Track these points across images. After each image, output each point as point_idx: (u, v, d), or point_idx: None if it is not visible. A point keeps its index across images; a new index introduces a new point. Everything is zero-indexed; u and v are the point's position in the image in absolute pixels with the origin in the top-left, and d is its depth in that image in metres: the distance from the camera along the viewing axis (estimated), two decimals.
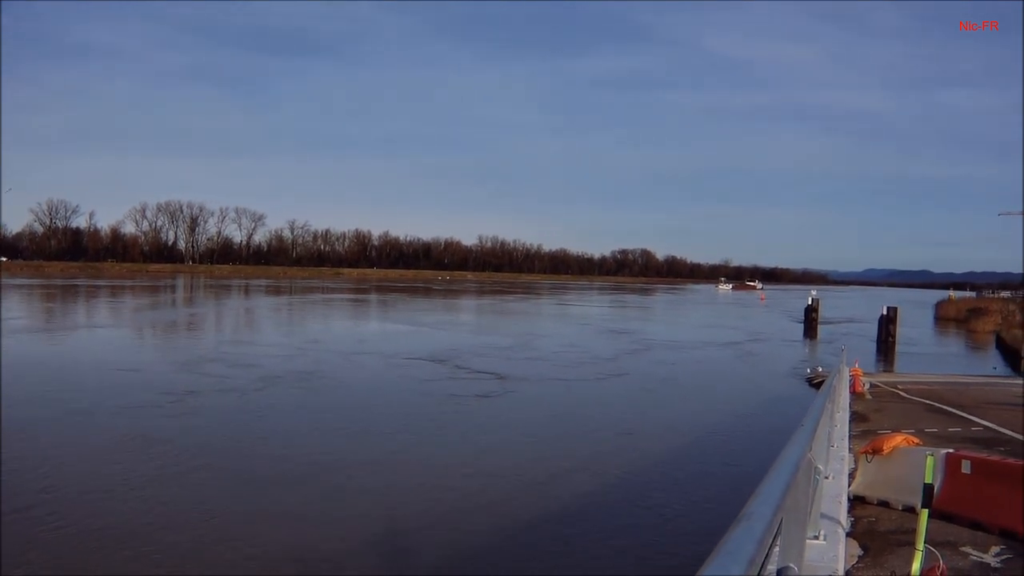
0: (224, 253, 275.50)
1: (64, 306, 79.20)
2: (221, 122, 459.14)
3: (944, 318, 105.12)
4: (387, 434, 22.67)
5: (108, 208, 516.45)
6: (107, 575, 12.07)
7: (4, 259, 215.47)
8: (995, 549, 10.62)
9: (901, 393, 28.16)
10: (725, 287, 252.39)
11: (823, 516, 8.50)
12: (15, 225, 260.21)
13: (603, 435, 23.47)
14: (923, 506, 8.94)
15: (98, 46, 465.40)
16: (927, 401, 26.02)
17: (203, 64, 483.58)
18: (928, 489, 8.96)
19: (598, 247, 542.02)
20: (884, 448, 13.56)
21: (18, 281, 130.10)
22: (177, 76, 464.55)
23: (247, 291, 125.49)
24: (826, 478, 10.09)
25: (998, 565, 10.12)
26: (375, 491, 16.87)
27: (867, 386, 29.10)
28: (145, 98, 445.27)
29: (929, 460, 9.20)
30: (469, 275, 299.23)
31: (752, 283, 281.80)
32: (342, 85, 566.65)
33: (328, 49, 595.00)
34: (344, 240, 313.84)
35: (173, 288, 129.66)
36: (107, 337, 49.71)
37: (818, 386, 29.01)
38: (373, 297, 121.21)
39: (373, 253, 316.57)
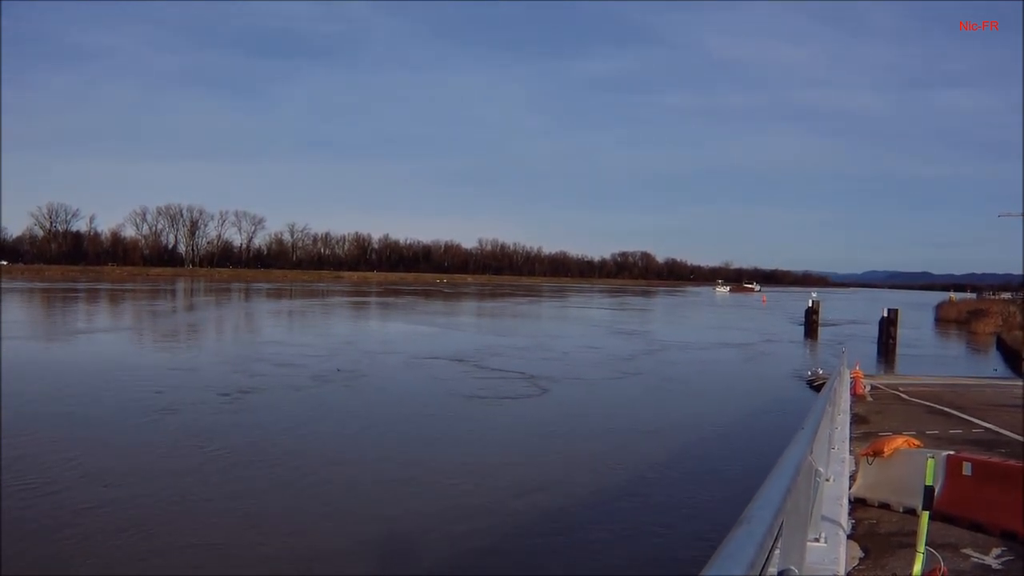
0: (224, 256, 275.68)
1: (85, 310, 79.60)
2: (219, 125, 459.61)
3: (944, 320, 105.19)
4: (421, 431, 23.62)
5: (108, 212, 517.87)
6: (112, 575, 12.11)
7: (4, 263, 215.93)
8: (996, 551, 10.63)
9: (902, 395, 28.16)
10: (723, 289, 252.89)
11: (824, 518, 8.51)
12: (15, 229, 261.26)
13: (617, 434, 24.04)
14: (924, 508, 8.94)
15: (95, 48, 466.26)
16: (928, 403, 26.01)
17: (200, 66, 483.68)
18: (929, 491, 8.96)
19: (598, 250, 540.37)
20: (885, 450, 13.56)
21: (23, 285, 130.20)
22: (175, 79, 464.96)
23: (258, 295, 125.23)
24: (827, 480, 10.11)
25: (999, 567, 10.12)
26: (406, 488, 17.14)
27: (868, 388, 29.11)
28: (143, 101, 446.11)
29: (930, 463, 9.20)
30: (469, 278, 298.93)
31: (750, 285, 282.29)
32: (340, 87, 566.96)
33: (325, 51, 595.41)
34: (344, 243, 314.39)
35: (186, 292, 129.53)
36: (146, 340, 51.50)
37: (819, 388, 29.04)
38: (386, 300, 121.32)
39: (373, 256, 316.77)
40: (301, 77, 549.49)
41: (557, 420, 26.12)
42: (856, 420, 22.06)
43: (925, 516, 8.91)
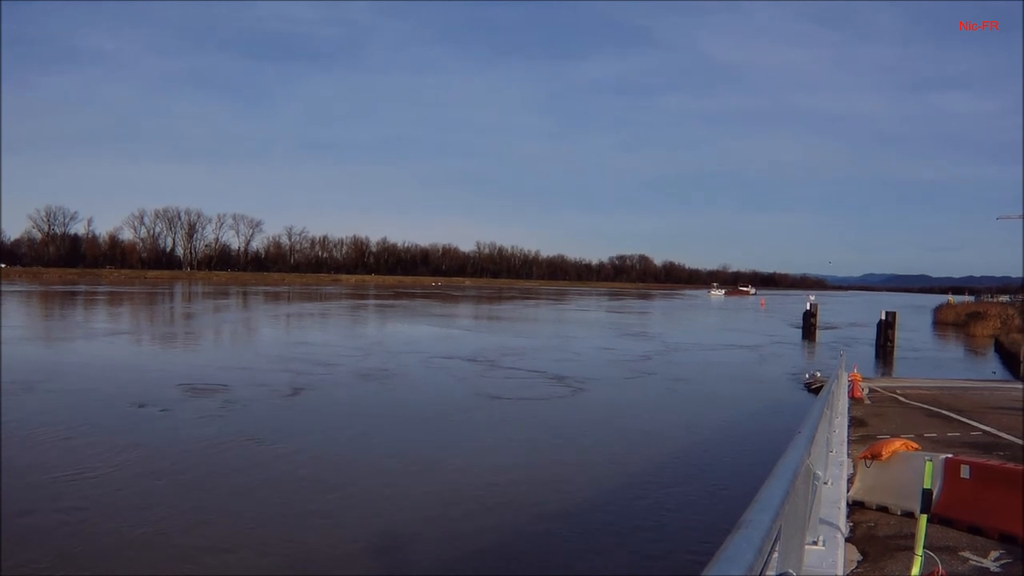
0: (222, 260, 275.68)
1: (101, 312, 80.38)
2: (218, 127, 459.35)
3: (943, 322, 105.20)
4: (449, 433, 24.36)
5: (106, 214, 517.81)
6: (117, 575, 12.14)
7: (3, 265, 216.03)
8: (994, 554, 10.62)
9: (900, 398, 28.16)
10: (717, 292, 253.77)
11: (822, 521, 8.51)
12: (14, 231, 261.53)
13: (626, 435, 24.64)
14: (922, 511, 8.93)
15: (94, 51, 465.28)
16: (926, 406, 26.02)
17: (200, 69, 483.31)
18: (927, 494, 8.95)
19: (596, 253, 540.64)
20: (883, 453, 13.55)
21: (24, 288, 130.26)
22: (175, 81, 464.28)
23: (268, 300, 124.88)
24: (825, 483, 10.11)
25: (997, 570, 10.11)
26: (432, 489, 17.20)
27: (866, 391, 29.09)
28: (143, 103, 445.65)
29: (928, 466, 9.19)
30: (467, 281, 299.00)
31: (745, 288, 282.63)
32: (340, 90, 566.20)
33: (326, 54, 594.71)
34: (342, 246, 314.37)
35: (193, 296, 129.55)
36: (189, 341, 52.80)
37: (816, 391, 29.03)
38: (394, 303, 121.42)
39: (371, 259, 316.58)
40: (301, 80, 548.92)
41: (575, 420, 26.86)
42: (854, 423, 22.07)
43: (923, 519, 8.90)
